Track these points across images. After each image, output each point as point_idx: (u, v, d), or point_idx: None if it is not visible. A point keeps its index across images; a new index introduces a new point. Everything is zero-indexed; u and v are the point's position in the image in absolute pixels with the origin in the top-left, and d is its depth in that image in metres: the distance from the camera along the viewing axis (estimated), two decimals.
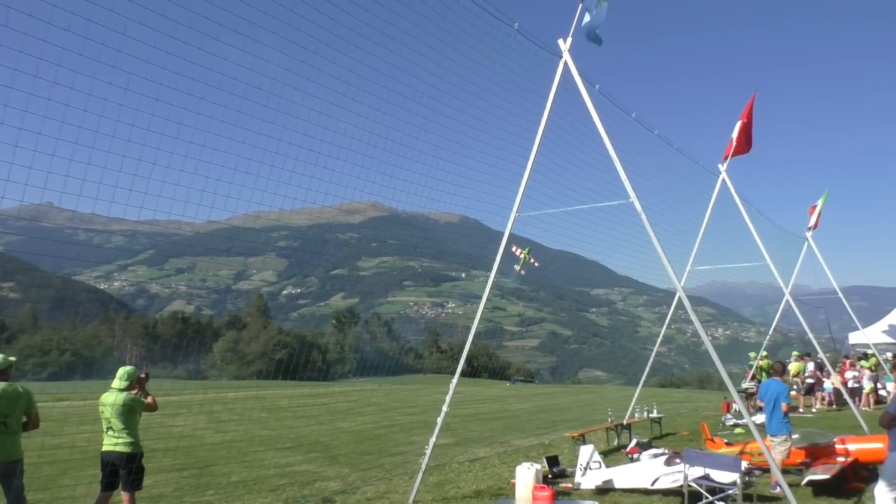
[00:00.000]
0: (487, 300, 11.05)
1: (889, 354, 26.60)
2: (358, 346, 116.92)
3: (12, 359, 7.39)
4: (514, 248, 11.11)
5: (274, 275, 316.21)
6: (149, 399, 7.95)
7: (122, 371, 7.90)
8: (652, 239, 9.46)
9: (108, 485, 7.62)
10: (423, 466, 10.64)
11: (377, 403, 31.78)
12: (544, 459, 12.50)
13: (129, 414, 7.67)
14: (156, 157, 7.06)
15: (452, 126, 10.23)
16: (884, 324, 31.25)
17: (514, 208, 10.68)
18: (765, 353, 25.06)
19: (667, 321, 19.26)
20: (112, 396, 7.69)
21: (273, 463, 13.96)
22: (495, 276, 10.97)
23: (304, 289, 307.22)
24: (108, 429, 7.61)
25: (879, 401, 23.39)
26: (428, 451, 10.63)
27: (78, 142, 6.41)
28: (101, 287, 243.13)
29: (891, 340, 30.15)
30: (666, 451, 12.17)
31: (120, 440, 7.60)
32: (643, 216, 9.45)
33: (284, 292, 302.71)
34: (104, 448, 7.63)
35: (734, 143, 16.67)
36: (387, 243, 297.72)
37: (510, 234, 10.72)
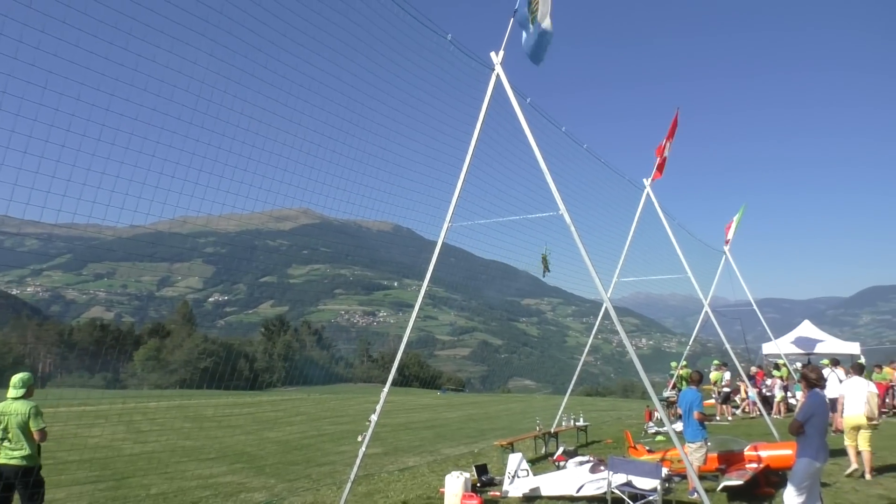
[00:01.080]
0: (420, 309, 11.07)
1: (799, 364, 28.01)
2: (287, 354, 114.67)
3: None
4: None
5: (200, 281, 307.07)
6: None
7: (17, 378, 7.62)
8: (580, 250, 9.72)
9: (2, 500, 7.34)
10: (353, 476, 10.53)
11: (306, 413, 31.27)
12: (473, 468, 12.57)
13: (29, 425, 7.39)
14: (76, 159, 6.78)
15: (386, 134, 10.24)
16: (792, 335, 32.96)
17: (448, 218, 10.76)
18: (684, 363, 25.99)
19: (594, 331, 19.72)
20: (14, 405, 7.40)
21: (195, 474, 13.54)
22: (427, 286, 10.99)
23: (232, 296, 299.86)
24: (3, 440, 7.31)
25: (790, 409, 24.55)
26: (357, 462, 10.53)
27: None
28: (13, 292, 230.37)
29: (799, 351, 31.80)
30: (591, 459, 12.44)
31: (16, 452, 7.31)
32: (572, 228, 9.69)
33: (211, 299, 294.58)
34: (1, 460, 7.31)
35: (663, 162, 17.30)
36: (318, 251, 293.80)
37: (443, 243, 10.78)
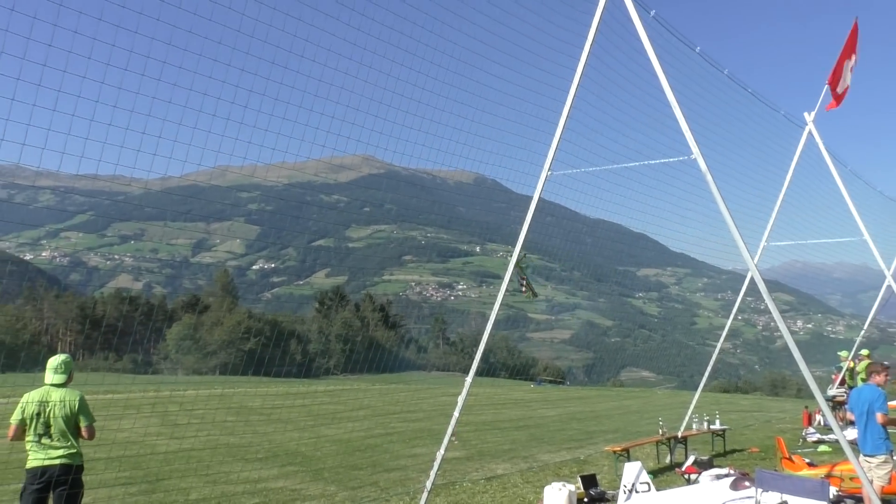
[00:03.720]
0: (509, 281, 11.06)
1: None
2: (346, 335, 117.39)
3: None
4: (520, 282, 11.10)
5: (242, 245, 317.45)
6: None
7: (58, 361, 7.76)
8: (718, 205, 9.42)
9: (36, 501, 7.46)
10: (429, 485, 10.74)
11: (370, 406, 32.04)
12: (579, 479, 12.59)
13: (79, 415, 7.65)
14: (99, 94, 6.96)
15: (467, 66, 10.15)
16: None
17: (546, 166, 10.64)
18: (866, 352, 24.42)
19: (734, 310, 19.19)
20: (56, 394, 7.61)
21: (242, 477, 14.13)
22: (519, 252, 10.95)
23: (280, 263, 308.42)
24: (43, 435, 7.49)
25: None
26: (435, 467, 10.72)
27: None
28: (26, 258, 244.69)
29: None
30: (732, 472, 12.24)
31: (59, 451, 7.52)
32: (708, 176, 9.39)
33: (255, 267, 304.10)
34: (37, 461, 7.49)
35: (840, 90, 16.35)
36: (383, 208, 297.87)
37: (539, 198, 10.68)
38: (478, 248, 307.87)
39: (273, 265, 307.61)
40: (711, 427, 18.29)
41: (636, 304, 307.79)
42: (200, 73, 7.72)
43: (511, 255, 11.01)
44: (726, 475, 12.06)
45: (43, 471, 7.45)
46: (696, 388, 19.71)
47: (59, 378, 7.69)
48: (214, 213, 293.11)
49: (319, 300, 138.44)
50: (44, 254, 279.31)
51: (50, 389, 7.62)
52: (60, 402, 7.55)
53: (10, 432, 7.58)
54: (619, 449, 15.12)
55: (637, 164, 11.15)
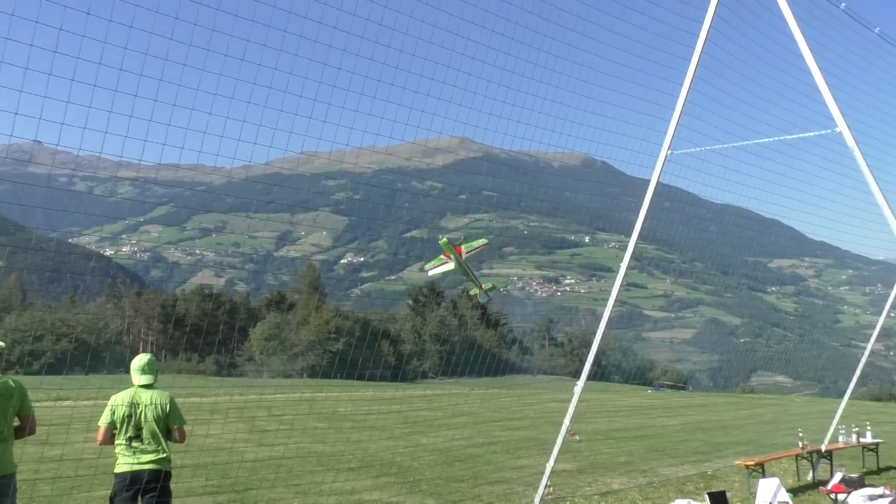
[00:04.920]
0: (623, 274, 10.91)
1: None
2: (442, 335, 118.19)
3: (2, 344, 7.80)
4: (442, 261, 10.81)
5: (329, 237, 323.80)
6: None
7: (144, 362, 8.09)
8: (870, 186, 9.04)
9: None
10: (537, 500, 10.72)
11: (470, 413, 32.20)
12: (706, 496, 12.33)
13: (170, 417, 7.98)
14: (182, 76, 7.15)
15: (575, 34, 10.01)
16: None
17: (665, 144, 10.43)
18: None
19: (886, 306, 18.46)
20: (146, 395, 7.93)
21: (333, 488, 14.40)
22: (636, 241, 10.79)
23: (370, 256, 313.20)
24: (133, 438, 7.82)
25: None
26: (544, 480, 10.69)
27: (80, 56, 6.61)
28: (106, 253, 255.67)
29: None
30: (887, 492, 11.79)
31: (150, 455, 7.84)
32: (857, 152, 9.02)
33: (343, 261, 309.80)
34: (127, 465, 7.80)
35: None
36: (480, 195, 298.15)
37: (657, 181, 10.47)
38: (587, 239, 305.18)
39: (362, 259, 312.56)
40: (861, 440, 17.67)
41: (768, 299, 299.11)
42: (286, 50, 7.83)
43: (624, 247, 10.86)
44: (881, 496, 11.63)
45: (133, 476, 7.76)
46: (840, 396, 19.07)
47: (148, 379, 8.01)
48: (299, 202, 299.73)
49: (413, 297, 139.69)
50: (124, 249, 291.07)
51: (139, 391, 7.95)
52: (151, 403, 7.87)
53: (99, 436, 7.92)
54: (752, 463, 14.76)
55: (770, 139, 10.82)
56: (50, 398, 28.14)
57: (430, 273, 11.49)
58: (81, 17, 6.53)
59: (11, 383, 7.54)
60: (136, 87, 6.99)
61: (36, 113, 6.80)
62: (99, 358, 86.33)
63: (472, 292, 11.02)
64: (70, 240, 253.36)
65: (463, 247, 10.70)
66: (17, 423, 7.65)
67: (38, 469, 13.04)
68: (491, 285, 12.12)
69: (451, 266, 10.97)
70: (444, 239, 10.48)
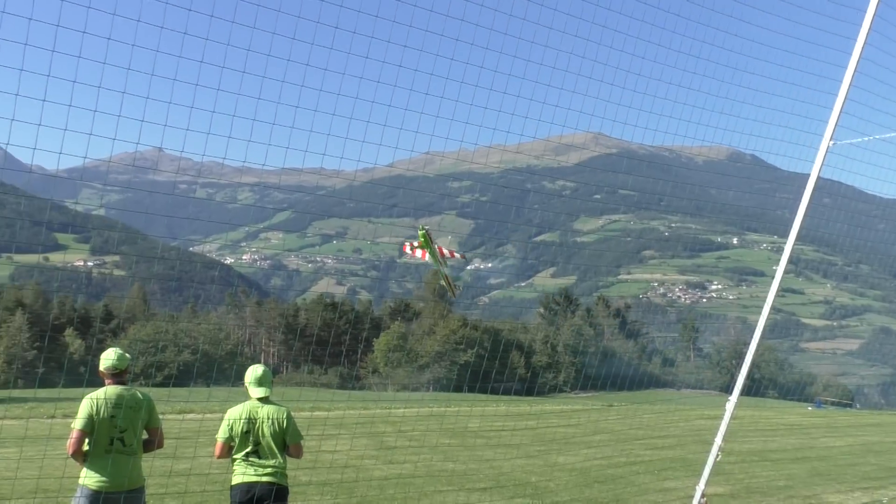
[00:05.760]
0: (780, 279, 10.61)
1: None
2: (577, 345, 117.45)
3: (128, 356, 8.22)
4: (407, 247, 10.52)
5: (454, 242, 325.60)
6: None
7: (261, 374, 8.35)
8: None
9: None
10: None
11: (609, 430, 31.81)
12: None
13: (286, 437, 8.24)
14: (304, 77, 7.33)
15: (720, 15, 9.79)
16: None
17: (827, 135, 10.07)
18: None
19: None
20: (264, 410, 8.22)
21: None
22: (794, 242, 10.48)
23: (498, 262, 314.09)
24: (252, 453, 8.10)
25: None
26: (695, 501, 10.50)
27: (203, 60, 6.89)
28: (227, 261, 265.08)
29: None
30: None
31: (271, 468, 8.11)
32: None
33: (469, 267, 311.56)
34: (244, 477, 8.09)
35: None
36: (616, 195, 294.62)
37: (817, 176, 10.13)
38: (735, 240, 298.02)
39: (490, 264, 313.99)
40: None
41: None
42: (411, 46, 7.96)
43: (777, 248, 10.56)
44: None
45: (249, 487, 8.03)
46: None
47: (264, 391, 8.26)
48: (423, 206, 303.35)
49: (544, 304, 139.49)
50: (244, 257, 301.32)
51: (256, 405, 8.23)
52: (268, 418, 8.13)
53: (217, 450, 8.24)
54: None
55: None
56: (173, 411, 29.36)
57: (406, 251, 11.52)
58: (204, 20, 6.83)
59: (140, 395, 7.95)
60: (258, 90, 7.23)
61: (158, 119, 7.13)
62: (220, 369, 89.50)
63: (441, 281, 10.95)
64: (191, 248, 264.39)
65: (445, 249, 10.71)
66: (145, 436, 8.06)
67: (166, 483, 13.59)
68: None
69: (428, 259, 10.97)
70: (424, 231, 10.50)
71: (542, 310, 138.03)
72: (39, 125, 6.45)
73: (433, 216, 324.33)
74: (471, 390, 77.24)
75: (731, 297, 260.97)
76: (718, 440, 10.51)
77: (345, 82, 7.72)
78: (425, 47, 8.07)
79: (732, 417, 10.47)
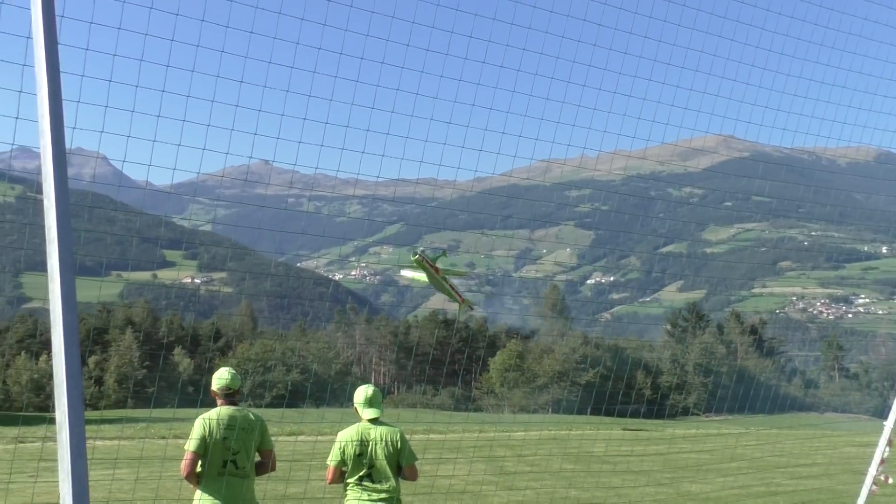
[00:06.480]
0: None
1: None
2: (708, 364, 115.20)
3: (239, 378, 8.48)
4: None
5: (573, 255, 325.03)
6: None
7: (370, 393, 8.45)
8: None
9: None
10: None
11: (745, 457, 31.10)
12: None
13: (402, 460, 8.32)
14: (419, 85, 7.40)
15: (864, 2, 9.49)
16: None
17: None
18: None
19: None
20: (377, 431, 8.30)
21: None
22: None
23: (620, 275, 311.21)
24: (365, 477, 8.20)
25: None
26: None
27: (316, 70, 7.02)
28: (335, 277, 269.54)
29: None
30: None
31: (385, 493, 8.20)
32: None
33: (590, 281, 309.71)
34: (359, 502, 8.19)
35: None
36: (749, 201, 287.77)
37: None
38: (884, 249, 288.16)
39: (612, 278, 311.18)
40: None
41: None
42: (530, 49, 7.98)
43: None
44: None
45: None
46: None
47: (375, 412, 8.35)
48: (539, 216, 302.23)
49: (671, 321, 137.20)
50: (353, 273, 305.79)
51: (367, 426, 8.32)
52: (381, 440, 8.21)
53: (329, 475, 8.34)
54: None
55: None
56: (283, 433, 29.97)
57: (402, 272, 11.42)
58: (316, 29, 6.97)
59: (252, 417, 8.14)
60: (371, 100, 7.34)
61: (270, 132, 7.30)
62: (329, 390, 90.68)
63: (445, 295, 10.83)
64: (299, 263, 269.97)
65: (440, 266, 10.56)
66: (257, 458, 8.25)
67: None
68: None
69: (423, 277, 10.85)
70: (417, 256, 10.39)
71: (668, 326, 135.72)
72: (154, 140, 6.67)
73: (550, 227, 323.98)
74: (592, 412, 76.44)
75: (880, 312, 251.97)
76: (872, 470, 10.15)
77: (461, 89, 7.78)
78: (545, 50, 8.07)
79: (889, 444, 10.10)
